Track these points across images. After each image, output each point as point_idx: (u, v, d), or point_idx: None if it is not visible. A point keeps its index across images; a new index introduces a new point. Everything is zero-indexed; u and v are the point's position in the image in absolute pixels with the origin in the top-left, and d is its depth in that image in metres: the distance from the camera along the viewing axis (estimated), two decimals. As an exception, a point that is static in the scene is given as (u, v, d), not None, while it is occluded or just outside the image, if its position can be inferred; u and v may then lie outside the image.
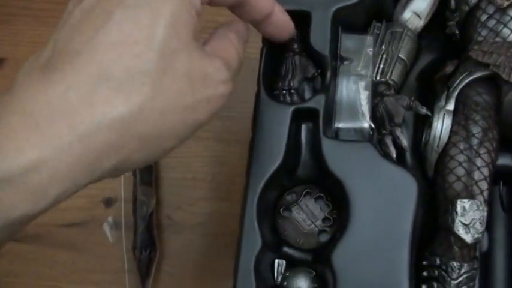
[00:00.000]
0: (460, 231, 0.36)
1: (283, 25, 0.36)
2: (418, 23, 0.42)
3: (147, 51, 0.25)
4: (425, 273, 0.37)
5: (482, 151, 0.37)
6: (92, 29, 0.25)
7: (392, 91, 0.39)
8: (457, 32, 0.42)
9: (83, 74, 0.24)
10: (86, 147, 0.24)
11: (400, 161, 0.38)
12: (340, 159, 0.36)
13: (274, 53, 0.39)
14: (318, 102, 0.37)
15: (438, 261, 0.37)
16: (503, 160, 0.39)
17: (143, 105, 0.25)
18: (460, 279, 0.36)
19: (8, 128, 0.23)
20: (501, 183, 0.40)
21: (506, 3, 0.39)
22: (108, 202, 0.51)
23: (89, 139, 0.24)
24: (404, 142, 0.38)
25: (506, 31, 0.39)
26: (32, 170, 0.23)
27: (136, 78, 0.25)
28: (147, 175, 0.49)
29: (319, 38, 0.38)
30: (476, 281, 0.38)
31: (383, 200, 0.35)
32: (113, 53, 0.25)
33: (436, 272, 0.37)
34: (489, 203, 0.38)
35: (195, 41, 0.27)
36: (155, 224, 0.49)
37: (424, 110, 0.38)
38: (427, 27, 0.42)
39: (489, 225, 0.40)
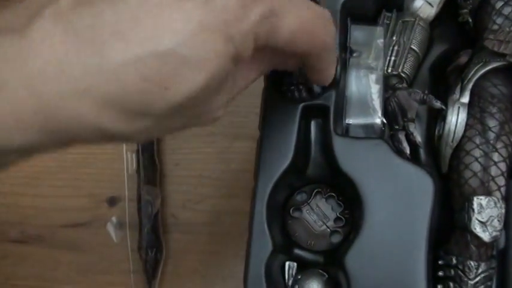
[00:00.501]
0: (477, 229, 0.35)
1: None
2: (430, 12, 0.40)
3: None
4: (441, 273, 0.36)
5: (499, 145, 0.36)
6: None
7: (405, 84, 0.38)
8: (470, 20, 0.40)
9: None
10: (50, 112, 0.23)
11: (414, 157, 0.37)
12: (352, 157, 0.34)
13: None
14: (328, 99, 0.35)
15: (454, 261, 0.36)
16: (520, 154, 0.38)
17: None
18: (477, 279, 0.35)
19: None
20: (518, 178, 0.39)
21: (522, -11, 0.37)
22: (112, 201, 0.50)
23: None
24: (419, 138, 0.37)
25: (522, 19, 0.37)
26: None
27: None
28: (152, 174, 0.48)
29: (328, 30, 0.36)
30: (494, 280, 0.37)
31: (398, 199, 0.33)
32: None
33: (452, 271, 0.36)
34: (506, 199, 0.37)
35: None
36: (160, 223, 0.48)
37: (438, 104, 0.37)
38: (438, 16, 0.41)
39: (506, 222, 0.38)
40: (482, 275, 0.35)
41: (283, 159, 0.35)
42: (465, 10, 0.40)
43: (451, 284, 0.36)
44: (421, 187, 0.33)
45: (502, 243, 0.39)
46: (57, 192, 0.51)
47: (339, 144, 0.35)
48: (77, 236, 0.50)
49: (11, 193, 0.51)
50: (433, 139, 0.38)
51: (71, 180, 0.51)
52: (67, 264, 0.50)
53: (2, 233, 0.51)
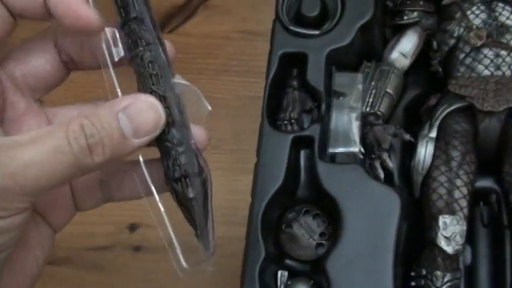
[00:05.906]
0: (442, 243, 0.40)
1: None
2: (404, 62, 0.48)
3: None
4: (413, 283, 0.41)
5: (461, 172, 0.42)
6: None
7: (380, 121, 0.45)
8: (440, 70, 0.48)
9: None
10: None
11: (388, 182, 0.43)
12: (334, 180, 0.41)
13: (276, 88, 0.45)
14: (314, 131, 0.42)
15: (424, 272, 0.41)
16: (482, 182, 0.44)
17: None
18: (443, 287, 0.40)
19: None
20: (481, 203, 0.45)
21: (479, 43, 0.44)
22: (132, 228, 0.57)
23: None
24: (390, 164, 0.43)
25: (480, 67, 0.44)
26: None
27: None
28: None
29: (315, 75, 0.44)
30: (462, 291, 0.42)
31: (370, 214, 0.39)
32: None
33: (423, 281, 0.41)
34: (471, 220, 0.43)
35: None
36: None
37: (407, 137, 0.44)
38: (413, 66, 0.48)
39: (472, 241, 0.44)
40: (448, 284, 0.41)
41: (276, 181, 0.41)
42: (435, 61, 0.48)
43: (422, 293, 0.41)
44: (388, 203, 0.39)
45: (468, 259, 0.44)
46: (85, 220, 0.57)
47: (323, 169, 0.41)
48: (100, 258, 0.57)
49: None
50: (407, 169, 0.45)
51: (97, 209, 0.58)
52: (92, 283, 0.56)
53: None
